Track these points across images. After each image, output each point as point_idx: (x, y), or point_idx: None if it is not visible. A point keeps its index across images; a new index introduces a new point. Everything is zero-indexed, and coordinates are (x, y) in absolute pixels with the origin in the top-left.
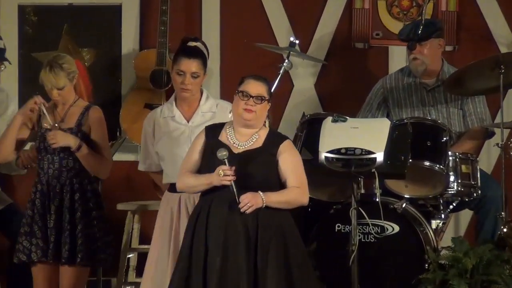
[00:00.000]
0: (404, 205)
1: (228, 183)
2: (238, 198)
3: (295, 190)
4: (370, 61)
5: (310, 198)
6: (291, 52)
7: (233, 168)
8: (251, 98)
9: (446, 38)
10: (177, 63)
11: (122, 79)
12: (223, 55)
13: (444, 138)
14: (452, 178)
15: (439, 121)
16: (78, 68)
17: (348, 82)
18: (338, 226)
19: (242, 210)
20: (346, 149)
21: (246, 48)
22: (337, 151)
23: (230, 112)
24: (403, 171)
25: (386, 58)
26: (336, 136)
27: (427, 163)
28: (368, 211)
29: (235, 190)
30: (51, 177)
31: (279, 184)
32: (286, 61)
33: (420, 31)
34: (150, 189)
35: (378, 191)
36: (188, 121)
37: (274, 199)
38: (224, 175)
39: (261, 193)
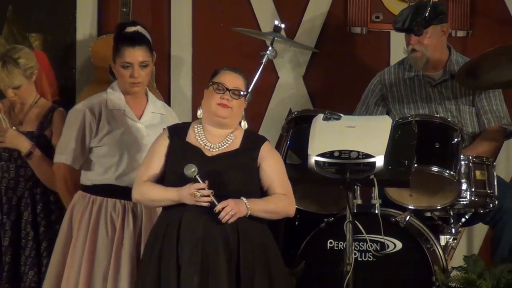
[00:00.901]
0: (408, 218)
1: (206, 204)
2: (216, 211)
3: (283, 198)
4: (369, 49)
5: (297, 209)
6: (275, 38)
7: (207, 183)
8: (228, 92)
9: (458, 22)
10: (120, 55)
11: (77, 70)
12: (195, 41)
13: (455, 139)
14: (464, 186)
15: (449, 119)
16: (40, 61)
17: (343, 74)
18: (331, 243)
19: (223, 220)
20: (340, 152)
21: (223, 33)
22: (329, 155)
23: (199, 109)
24: (407, 178)
25: (387, 45)
26: (328, 137)
27: (435, 169)
28: (366, 224)
29: (216, 203)
30: (5, 188)
31: (259, 193)
32: (270, 48)
33: (418, 18)
34: None
35: (377, 202)
36: (138, 119)
37: (260, 207)
38: (200, 195)
39: (244, 199)
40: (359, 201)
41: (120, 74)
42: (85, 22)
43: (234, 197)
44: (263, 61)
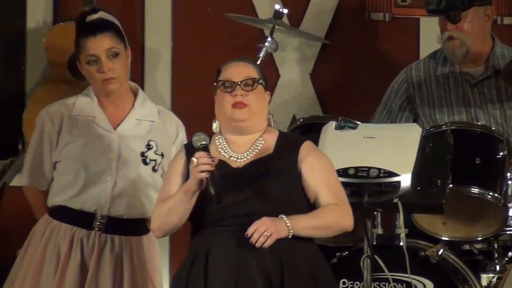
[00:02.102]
0: (441, 252)
1: (205, 175)
2: (216, 195)
3: (334, 209)
4: (393, 40)
5: None
6: (276, 27)
7: (215, 158)
8: (238, 86)
9: (505, 7)
10: (83, 49)
11: (27, 66)
12: (176, 30)
13: (501, 153)
14: (511, 212)
15: (492, 128)
16: None
17: (360, 71)
18: (344, 283)
19: (257, 243)
20: (357, 169)
21: (210, 20)
22: (342, 172)
23: (214, 122)
24: (441, 201)
25: (416, 35)
26: (341, 150)
27: (475, 190)
28: (389, 260)
29: (211, 187)
30: None
31: (306, 207)
32: (269, 39)
33: None
34: None
35: (403, 232)
36: (115, 127)
37: (304, 224)
38: (198, 163)
39: (284, 217)
40: (380, 231)
41: (88, 74)
42: (38, 8)
43: (272, 215)
44: (261, 55)
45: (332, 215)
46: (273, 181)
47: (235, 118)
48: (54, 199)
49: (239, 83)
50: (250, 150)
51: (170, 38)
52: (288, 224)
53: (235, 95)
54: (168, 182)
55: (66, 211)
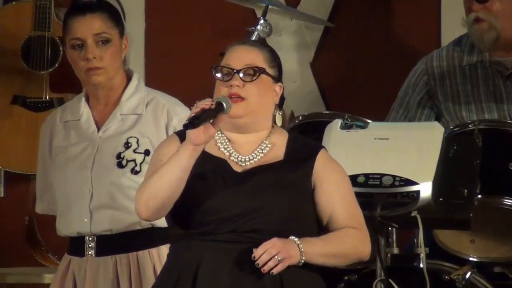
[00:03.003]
0: (468, 275)
1: (197, 110)
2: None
3: (352, 234)
4: (410, 23)
5: None
6: (270, 7)
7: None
8: (236, 74)
9: None
10: (69, 30)
11: None
12: (149, 11)
13: None
14: None
15: None
16: None
17: (370, 60)
18: None
19: (265, 267)
20: (367, 176)
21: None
22: (351, 180)
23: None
24: (467, 215)
25: (436, 17)
26: (349, 154)
27: (508, 202)
28: (406, 285)
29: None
30: None
31: (317, 228)
32: (262, 22)
33: None
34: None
35: (423, 251)
36: (98, 129)
37: (319, 250)
38: (199, 104)
39: (295, 239)
40: (396, 250)
41: (72, 61)
42: None
43: (276, 234)
44: None
45: (350, 242)
46: (283, 194)
47: (229, 113)
48: (57, 227)
49: (239, 71)
50: (255, 153)
51: (143, 20)
52: (301, 250)
53: (231, 85)
54: (158, 163)
55: (66, 240)
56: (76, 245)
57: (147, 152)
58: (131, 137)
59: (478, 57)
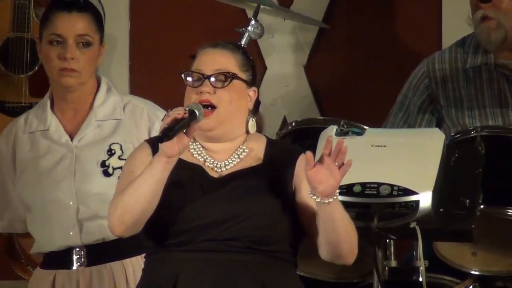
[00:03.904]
0: None
1: (179, 116)
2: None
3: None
4: (409, 23)
5: (301, 277)
6: (261, 6)
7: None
8: (207, 80)
9: None
10: (49, 25)
11: None
12: (134, 12)
13: None
14: None
15: None
16: None
17: (367, 62)
18: None
19: (340, 156)
20: (364, 185)
21: None
22: (346, 190)
23: None
24: (469, 226)
25: (437, 16)
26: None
27: None
28: None
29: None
30: None
31: (298, 233)
32: (253, 22)
33: None
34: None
35: (422, 264)
36: (71, 138)
37: (343, 210)
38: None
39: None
40: (394, 263)
41: (45, 57)
42: None
43: (258, 241)
44: (243, 43)
45: (354, 228)
46: (263, 199)
47: (201, 126)
48: (34, 246)
49: (209, 76)
50: (231, 159)
51: (128, 20)
52: (337, 194)
53: (201, 92)
54: (129, 174)
55: (41, 257)
56: (61, 258)
57: None
58: (114, 143)
59: (482, 59)
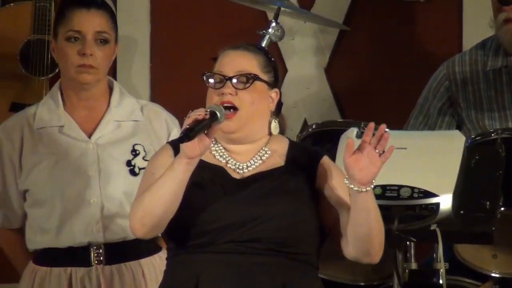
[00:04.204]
0: None
1: (199, 117)
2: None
3: None
4: (430, 25)
5: (321, 279)
6: (282, 9)
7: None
8: (228, 81)
9: None
10: (67, 21)
11: None
12: (155, 14)
13: None
14: None
15: None
16: None
17: (388, 65)
18: None
19: (384, 139)
20: (384, 187)
21: (199, 1)
22: None
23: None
24: (490, 228)
25: (458, 20)
26: None
27: None
28: None
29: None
30: None
31: (320, 236)
32: (274, 24)
33: None
34: None
35: (442, 267)
36: (89, 136)
37: (375, 203)
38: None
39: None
40: (414, 266)
41: (62, 54)
42: None
43: (279, 243)
44: (264, 45)
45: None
46: (284, 201)
47: (222, 129)
48: (35, 241)
49: (231, 78)
50: (253, 160)
51: (149, 23)
52: (372, 185)
53: (222, 93)
54: (151, 176)
55: (53, 253)
56: (79, 254)
57: None
58: (137, 144)
59: (502, 62)
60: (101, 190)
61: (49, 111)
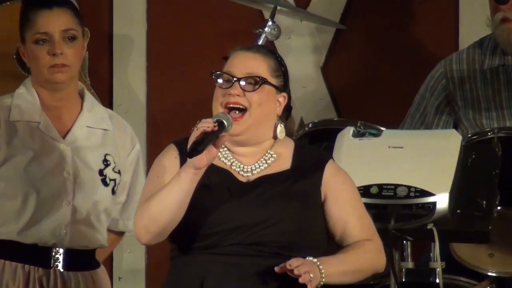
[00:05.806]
0: None
1: (208, 129)
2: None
3: (369, 248)
4: (426, 24)
5: None
6: (278, 7)
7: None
8: (236, 82)
9: None
10: (31, 25)
11: None
12: (151, 12)
13: None
14: None
15: None
16: None
17: (385, 64)
18: None
19: (303, 278)
20: (381, 186)
21: (196, 0)
22: (363, 191)
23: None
24: (486, 228)
25: (454, 18)
26: (361, 163)
27: None
28: None
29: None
30: None
31: (326, 240)
32: (270, 23)
33: None
34: None
35: (439, 266)
36: (63, 137)
37: (337, 269)
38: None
39: (314, 260)
40: (410, 265)
41: (33, 57)
42: None
43: (284, 247)
44: (260, 43)
45: (367, 256)
46: (290, 204)
47: (228, 131)
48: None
49: (240, 79)
50: (258, 163)
51: (145, 21)
52: (322, 271)
53: (229, 94)
54: (156, 180)
55: (14, 247)
56: (40, 254)
57: (120, 173)
58: (108, 154)
59: (500, 61)
60: (75, 194)
61: (26, 105)
